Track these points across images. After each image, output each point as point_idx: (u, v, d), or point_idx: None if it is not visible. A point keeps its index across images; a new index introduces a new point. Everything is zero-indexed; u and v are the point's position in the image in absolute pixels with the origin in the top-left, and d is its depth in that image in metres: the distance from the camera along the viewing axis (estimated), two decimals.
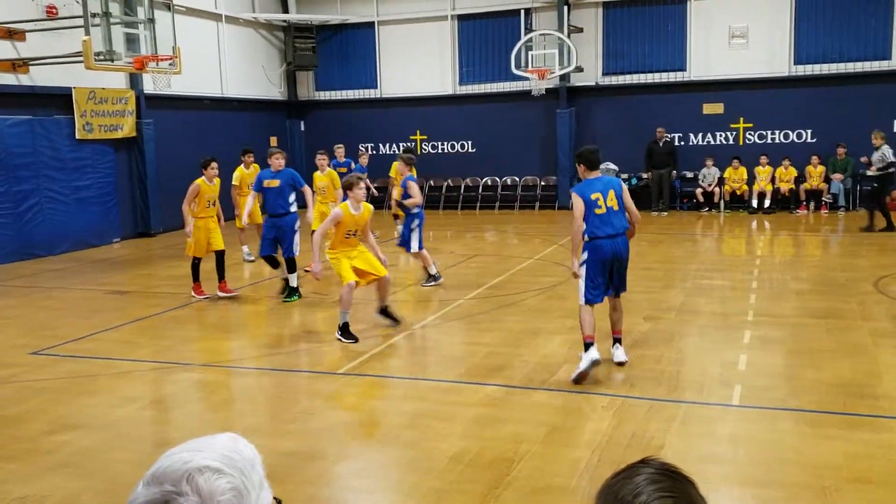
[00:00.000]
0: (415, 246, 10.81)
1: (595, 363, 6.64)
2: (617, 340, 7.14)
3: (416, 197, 10.81)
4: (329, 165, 12.75)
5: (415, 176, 11.22)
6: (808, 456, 5.07)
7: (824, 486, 4.63)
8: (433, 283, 10.82)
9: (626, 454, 5.08)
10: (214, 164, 10.41)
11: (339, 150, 15.51)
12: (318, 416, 6.17)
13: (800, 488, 4.65)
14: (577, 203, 6.76)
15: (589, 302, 6.83)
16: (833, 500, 4.49)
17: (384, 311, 8.66)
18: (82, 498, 4.86)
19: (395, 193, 12.39)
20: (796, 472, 4.84)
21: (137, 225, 17.09)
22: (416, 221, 10.82)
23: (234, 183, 12.87)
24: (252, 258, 13.17)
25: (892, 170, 14.66)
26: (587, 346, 6.69)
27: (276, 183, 10.22)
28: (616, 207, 6.78)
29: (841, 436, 5.40)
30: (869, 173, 15.12)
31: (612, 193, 6.77)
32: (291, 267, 10.25)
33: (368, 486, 5.07)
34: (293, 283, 10.24)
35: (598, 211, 6.74)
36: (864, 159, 15.78)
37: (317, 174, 12.64)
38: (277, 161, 10.30)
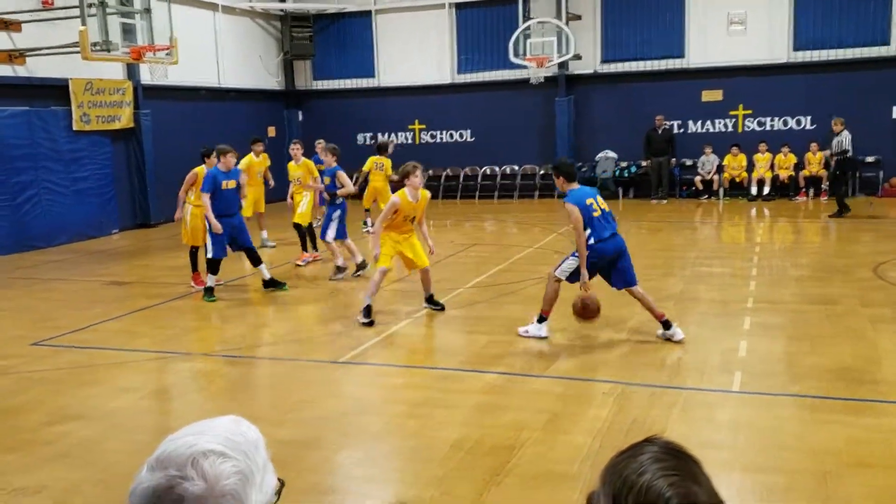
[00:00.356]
0: (330, 235, 10.76)
1: (541, 338, 7.39)
2: (665, 324, 7.23)
3: (348, 187, 10.76)
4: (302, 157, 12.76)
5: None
6: (808, 441, 5.07)
7: (825, 471, 4.64)
8: (339, 277, 10.74)
9: (627, 440, 5.02)
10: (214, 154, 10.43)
11: (320, 146, 15.11)
12: (318, 404, 6.17)
13: (800, 474, 4.65)
14: (575, 213, 7.08)
15: (570, 281, 7.30)
16: (834, 485, 4.49)
17: (430, 300, 8.85)
18: (81, 488, 4.86)
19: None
20: (797, 458, 4.84)
21: (136, 216, 17.05)
22: (339, 212, 10.79)
23: (241, 169, 12.87)
24: (273, 244, 13.58)
25: (848, 156, 15.01)
26: (541, 319, 7.45)
27: (233, 183, 10.02)
28: (607, 208, 7.29)
29: (841, 421, 5.40)
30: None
31: (598, 198, 7.32)
32: (256, 259, 10.13)
33: (370, 474, 5.07)
34: (266, 274, 10.15)
35: (595, 214, 7.12)
36: (826, 152, 16.27)
37: (291, 164, 12.57)
38: (232, 160, 10.11)
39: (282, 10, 21.16)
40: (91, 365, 7.40)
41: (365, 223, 15.16)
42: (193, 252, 10.55)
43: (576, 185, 7.38)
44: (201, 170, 10.35)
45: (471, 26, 20.60)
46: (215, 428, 1.26)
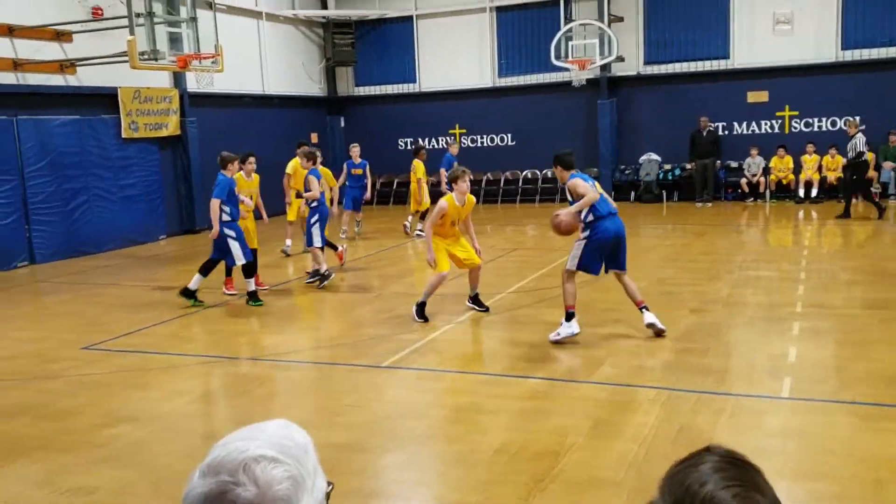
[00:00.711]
0: (317, 241, 10.68)
1: (574, 335, 7.46)
2: (642, 308, 7.56)
3: (315, 191, 10.67)
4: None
5: (318, 170, 11.13)
6: (861, 449, 4.95)
7: (878, 478, 4.53)
8: (315, 280, 10.72)
9: (674, 448, 5.02)
10: (252, 160, 10.79)
11: (355, 150, 15.32)
12: (362, 408, 6.20)
13: (853, 481, 4.54)
14: (582, 183, 7.51)
15: (584, 269, 7.57)
16: (889, 492, 4.38)
17: (475, 299, 9.04)
18: (133, 490, 4.94)
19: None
20: (849, 465, 4.74)
21: (183, 222, 17.35)
22: (316, 216, 10.71)
23: (287, 172, 13.11)
24: (289, 252, 13.58)
25: (864, 158, 14.97)
26: (569, 316, 7.50)
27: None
28: (605, 195, 7.70)
29: (895, 428, 5.26)
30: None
31: (597, 184, 7.78)
32: (250, 271, 10.05)
33: (414, 478, 5.09)
34: (251, 287, 10.00)
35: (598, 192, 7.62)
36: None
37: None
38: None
39: (324, 18, 21.37)
40: (141, 368, 7.54)
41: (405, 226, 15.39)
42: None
43: (575, 172, 7.74)
44: (239, 176, 10.47)
45: (512, 30, 20.58)
46: (266, 433, 1.27)
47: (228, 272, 10.52)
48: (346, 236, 14.74)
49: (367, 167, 15.35)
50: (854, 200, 15.58)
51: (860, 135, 14.91)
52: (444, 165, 15.44)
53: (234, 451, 1.22)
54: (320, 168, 12.17)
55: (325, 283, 10.67)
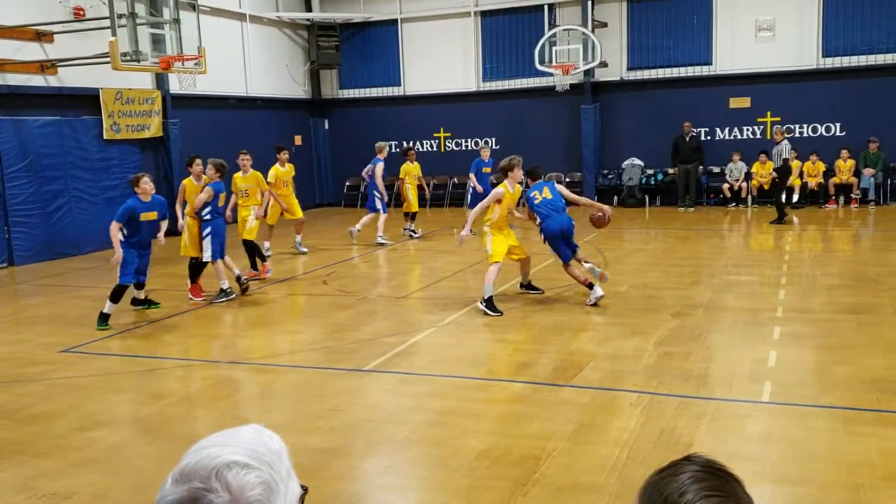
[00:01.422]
0: (207, 255, 10.14)
1: (600, 297, 9.16)
2: (590, 285, 9.21)
3: (199, 202, 10.11)
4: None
5: (221, 183, 10.38)
6: (841, 453, 4.98)
7: (859, 483, 4.55)
8: (224, 300, 10.23)
9: (655, 452, 5.03)
10: (199, 161, 10.69)
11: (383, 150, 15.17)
12: (343, 412, 6.17)
13: (833, 486, 4.57)
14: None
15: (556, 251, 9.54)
16: (868, 497, 4.41)
17: (529, 286, 10.01)
18: (111, 494, 4.89)
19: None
20: (829, 470, 4.76)
21: None
22: (208, 229, 10.13)
23: (269, 181, 12.70)
24: (305, 250, 13.87)
25: (788, 165, 15.68)
26: (590, 286, 9.24)
27: (154, 215, 9.42)
28: (550, 197, 9.40)
29: (875, 433, 5.30)
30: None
31: (545, 188, 9.49)
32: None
33: (396, 482, 5.06)
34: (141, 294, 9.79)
35: (536, 202, 9.41)
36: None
37: (238, 175, 11.85)
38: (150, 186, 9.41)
39: (308, 20, 21.32)
40: (120, 372, 7.47)
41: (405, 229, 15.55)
42: (192, 263, 10.46)
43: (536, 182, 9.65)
44: (188, 181, 10.57)
45: (496, 34, 20.62)
46: (238, 439, 1.26)
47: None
48: (385, 239, 14.80)
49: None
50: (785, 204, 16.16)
51: (786, 142, 15.60)
52: (473, 170, 15.96)
53: (206, 458, 1.20)
54: (251, 172, 11.76)
55: (223, 300, 10.18)
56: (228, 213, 10.92)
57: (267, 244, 13.31)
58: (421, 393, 6.73)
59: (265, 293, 10.95)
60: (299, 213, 13.62)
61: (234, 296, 10.39)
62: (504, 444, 5.30)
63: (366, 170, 15.08)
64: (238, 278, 10.37)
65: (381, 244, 14.53)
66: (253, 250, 11.69)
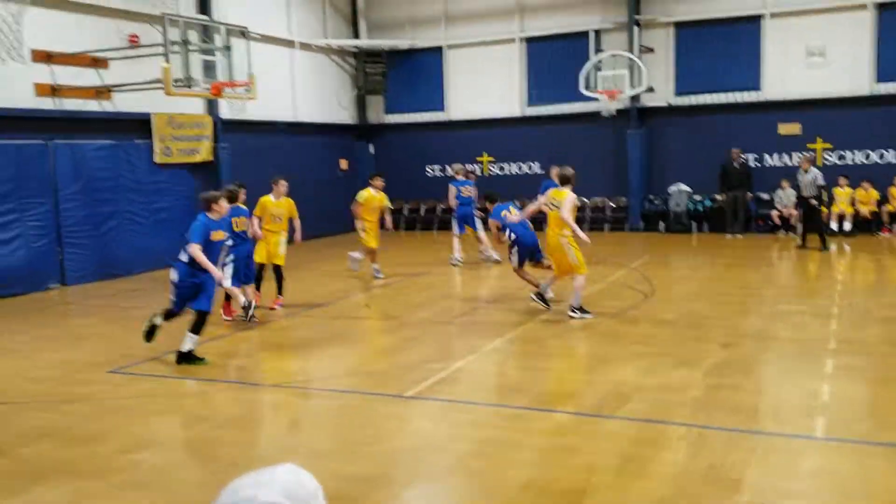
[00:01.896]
0: (227, 282, 9.90)
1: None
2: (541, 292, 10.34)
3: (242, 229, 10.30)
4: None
5: (243, 208, 10.46)
6: None
7: None
8: (249, 312, 10.23)
9: (704, 487, 4.90)
10: (283, 182, 11.20)
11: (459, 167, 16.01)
12: (386, 439, 6.14)
13: None
14: (497, 224, 11.26)
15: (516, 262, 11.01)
16: None
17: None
18: None
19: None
20: None
21: None
22: (232, 256, 10.06)
23: (358, 201, 13.42)
24: (382, 276, 13.83)
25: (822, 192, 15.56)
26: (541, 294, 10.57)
27: (222, 235, 8.81)
28: (516, 216, 11.04)
29: None
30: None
31: (511, 207, 11.26)
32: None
33: None
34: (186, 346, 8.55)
35: (510, 220, 11.00)
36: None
37: (269, 199, 11.29)
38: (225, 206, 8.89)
39: (356, 47, 21.60)
40: (165, 394, 7.55)
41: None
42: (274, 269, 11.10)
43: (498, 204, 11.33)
44: (266, 198, 11.11)
45: (541, 60, 20.64)
46: (275, 479, 1.26)
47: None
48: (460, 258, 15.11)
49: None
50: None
51: (813, 169, 15.46)
52: (542, 191, 15.76)
53: (242, 500, 1.20)
54: (283, 199, 11.31)
55: (250, 312, 10.24)
56: (256, 230, 10.88)
57: (375, 266, 13.61)
58: (463, 421, 6.67)
59: (310, 315, 11.01)
60: (373, 243, 13.42)
61: (253, 306, 10.35)
62: (547, 477, 5.21)
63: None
64: (248, 305, 10.25)
65: (454, 265, 15.00)
66: (280, 277, 11.54)
